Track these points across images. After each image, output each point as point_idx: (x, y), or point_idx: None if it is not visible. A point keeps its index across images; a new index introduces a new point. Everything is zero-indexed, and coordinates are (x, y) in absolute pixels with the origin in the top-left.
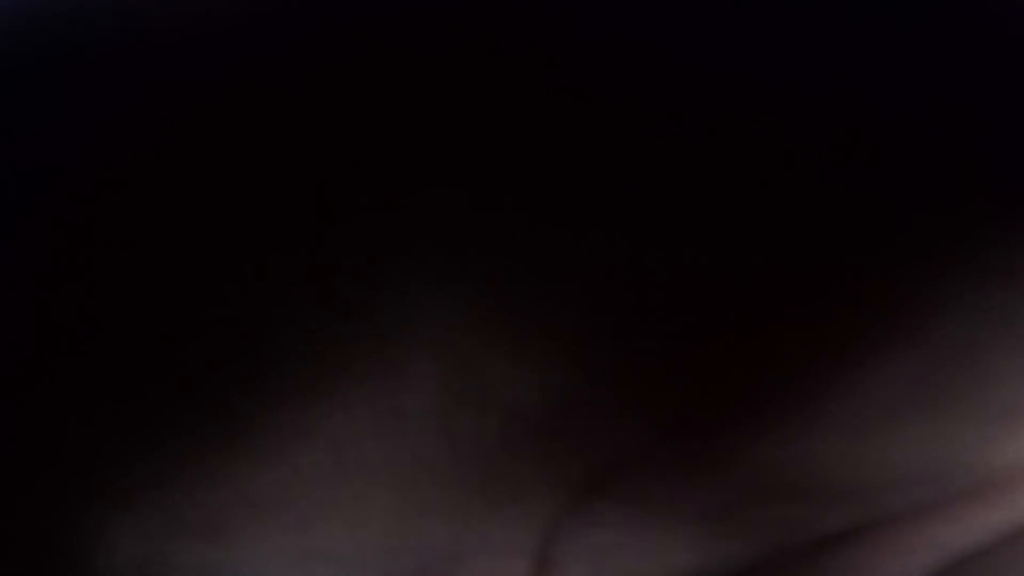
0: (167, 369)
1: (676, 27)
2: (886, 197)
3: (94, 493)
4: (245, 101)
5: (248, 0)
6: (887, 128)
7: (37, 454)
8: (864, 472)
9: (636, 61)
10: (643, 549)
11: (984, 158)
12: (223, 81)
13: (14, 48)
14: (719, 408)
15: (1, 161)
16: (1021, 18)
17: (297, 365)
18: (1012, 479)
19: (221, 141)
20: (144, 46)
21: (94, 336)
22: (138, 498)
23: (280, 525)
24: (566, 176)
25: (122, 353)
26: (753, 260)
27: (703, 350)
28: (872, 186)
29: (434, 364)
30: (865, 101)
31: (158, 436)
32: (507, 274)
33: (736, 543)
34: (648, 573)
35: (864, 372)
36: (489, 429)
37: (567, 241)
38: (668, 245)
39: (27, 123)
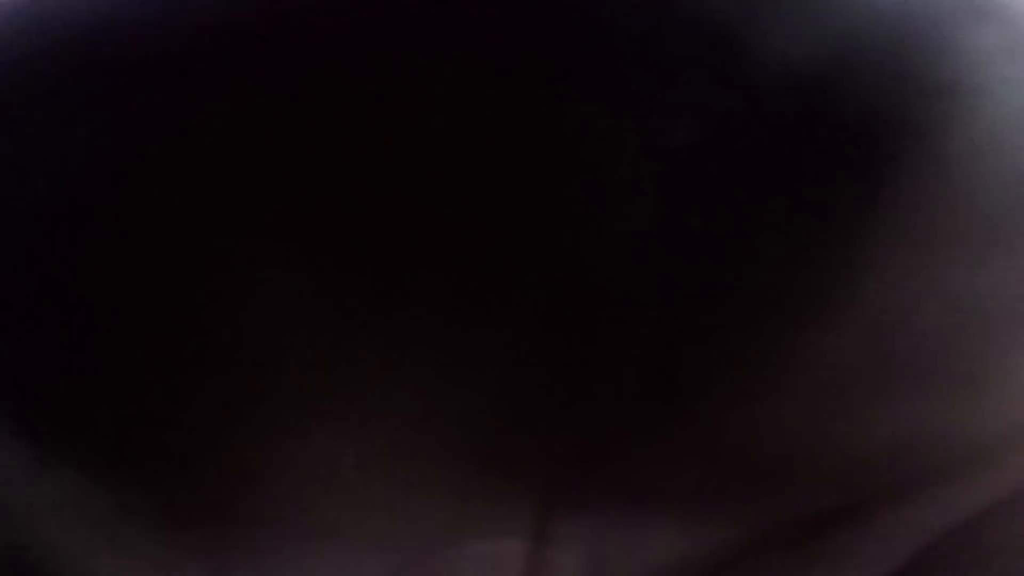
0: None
1: None
2: (807, 187)
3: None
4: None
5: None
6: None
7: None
8: (841, 446)
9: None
10: (636, 532)
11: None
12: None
13: (31, 58)
14: (693, 382)
15: (16, 165)
16: None
17: (300, 360)
18: (987, 454)
19: (226, 144)
20: (151, 58)
21: (119, 331)
22: (157, 482)
23: (288, 509)
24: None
25: (151, 348)
26: (707, 247)
27: (672, 331)
28: (796, 180)
29: (427, 350)
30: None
31: (182, 424)
32: (500, 265)
33: (723, 525)
34: (641, 556)
35: (815, 339)
36: (482, 411)
37: (554, 247)
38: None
39: (40, 130)
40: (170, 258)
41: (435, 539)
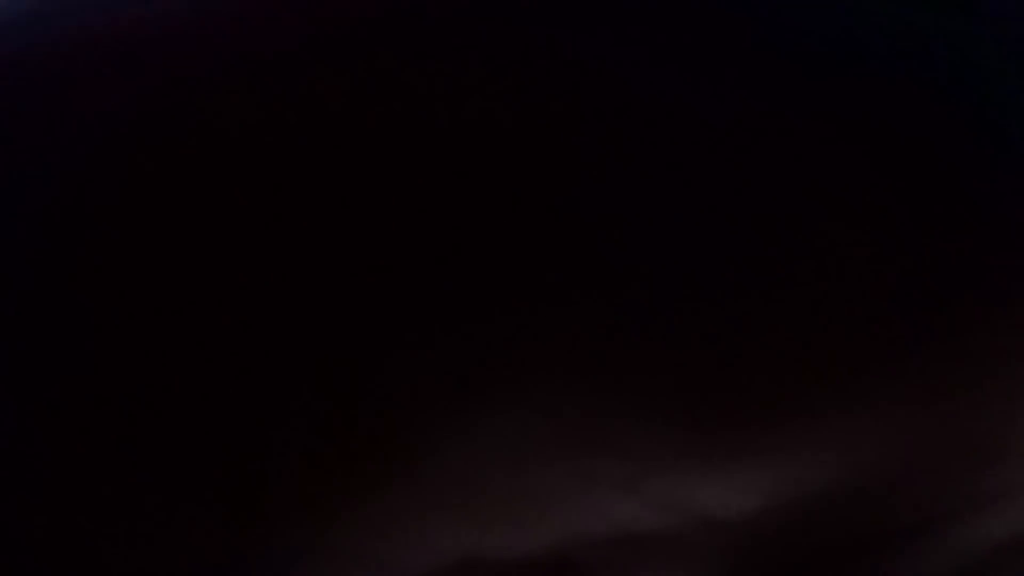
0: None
1: None
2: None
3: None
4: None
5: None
6: None
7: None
8: (877, 474)
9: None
10: (668, 558)
11: None
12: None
13: (28, 56)
14: (744, 403)
15: (12, 166)
16: None
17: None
18: (1017, 483)
19: (233, 147)
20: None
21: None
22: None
23: (308, 521)
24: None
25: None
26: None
27: (732, 358)
28: None
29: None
30: None
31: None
32: (542, 279)
33: (757, 553)
34: None
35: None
36: (520, 430)
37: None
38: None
39: (37, 131)
40: (183, 255)
41: (460, 557)
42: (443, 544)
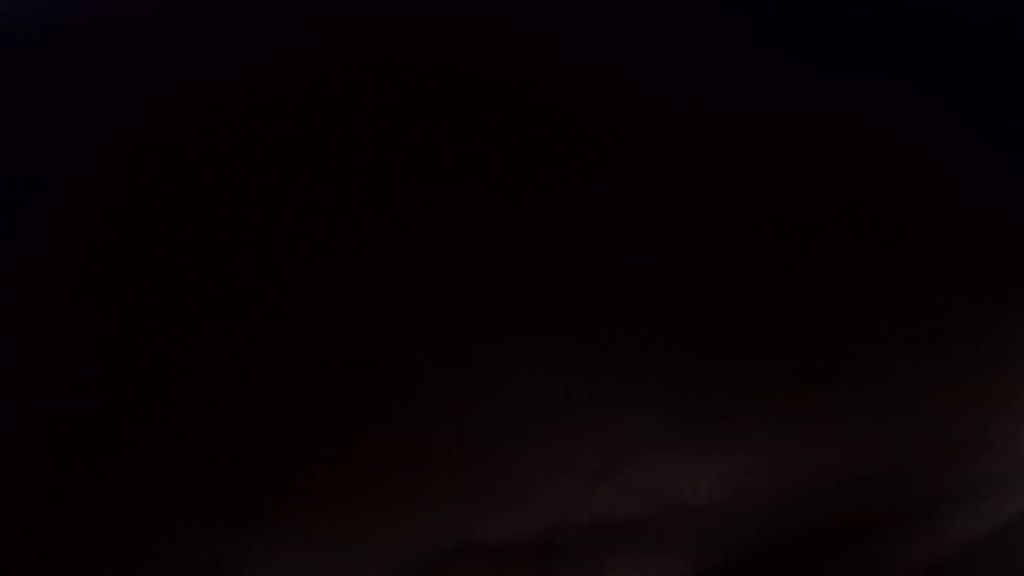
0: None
1: None
2: None
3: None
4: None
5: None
6: None
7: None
8: (870, 461)
9: None
10: (645, 542)
11: None
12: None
13: (27, 55)
14: (718, 393)
15: (10, 167)
16: None
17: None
18: (1006, 470)
19: (234, 145)
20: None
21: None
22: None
23: (304, 511)
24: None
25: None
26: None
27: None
28: None
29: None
30: None
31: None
32: (528, 272)
33: (737, 537)
34: (649, 570)
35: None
36: (499, 417)
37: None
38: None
39: (36, 129)
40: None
41: (441, 546)
42: (437, 530)
